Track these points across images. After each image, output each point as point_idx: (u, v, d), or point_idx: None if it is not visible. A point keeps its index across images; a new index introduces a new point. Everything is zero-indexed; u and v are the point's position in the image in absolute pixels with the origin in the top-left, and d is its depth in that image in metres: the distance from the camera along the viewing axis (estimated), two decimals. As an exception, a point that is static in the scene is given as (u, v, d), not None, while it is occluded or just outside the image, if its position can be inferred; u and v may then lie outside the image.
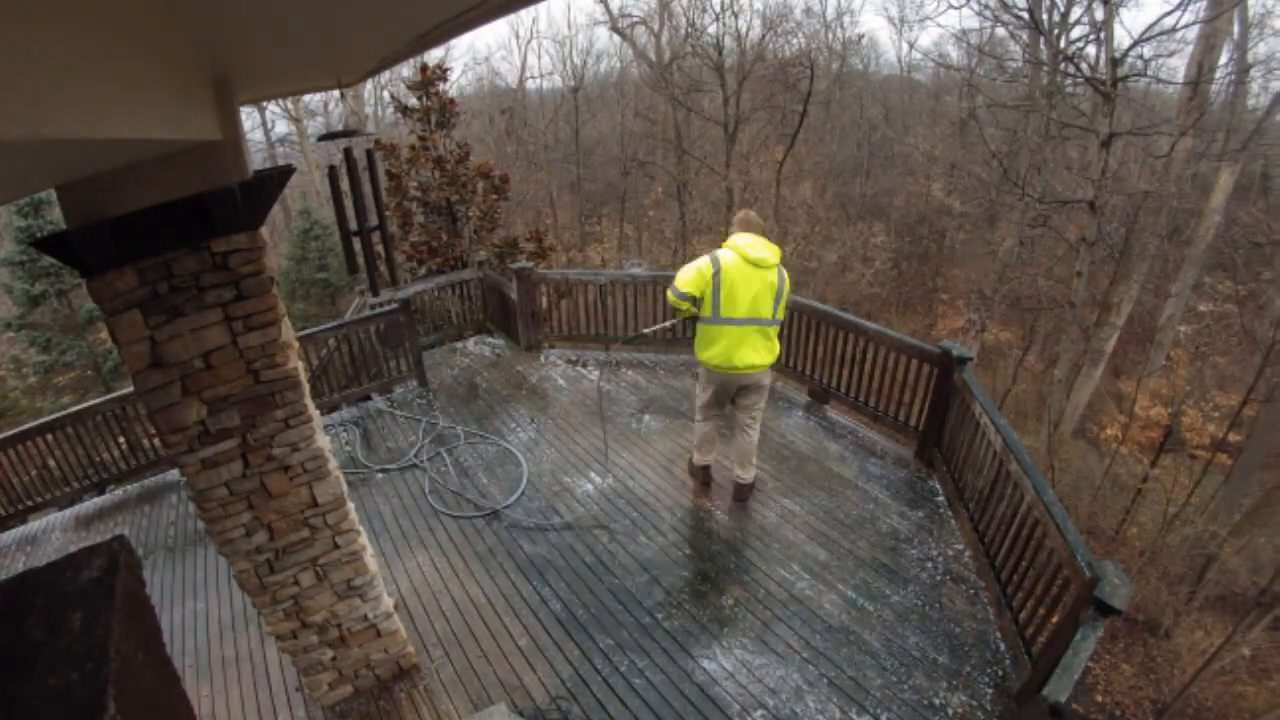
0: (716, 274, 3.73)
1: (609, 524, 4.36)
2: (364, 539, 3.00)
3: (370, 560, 3.04)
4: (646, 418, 5.57)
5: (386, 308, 6.18)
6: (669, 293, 3.90)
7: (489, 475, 5.03)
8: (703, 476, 4.56)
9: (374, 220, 2.97)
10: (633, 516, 4.40)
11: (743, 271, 3.72)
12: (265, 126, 26.06)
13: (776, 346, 3.98)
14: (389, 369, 6.37)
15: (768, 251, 3.75)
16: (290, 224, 21.98)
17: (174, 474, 5.63)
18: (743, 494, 4.38)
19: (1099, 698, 10.68)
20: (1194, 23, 11.46)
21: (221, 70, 1.91)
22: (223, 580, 4.30)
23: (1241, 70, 13.80)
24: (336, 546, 2.83)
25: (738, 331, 3.80)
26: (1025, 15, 14.23)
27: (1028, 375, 17.42)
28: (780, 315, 3.89)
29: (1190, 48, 12.79)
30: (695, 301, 3.88)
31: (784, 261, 3.94)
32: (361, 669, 3.24)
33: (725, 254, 3.77)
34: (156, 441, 5.65)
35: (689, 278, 3.79)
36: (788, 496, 4.47)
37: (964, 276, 22.12)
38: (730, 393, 4.10)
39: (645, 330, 5.46)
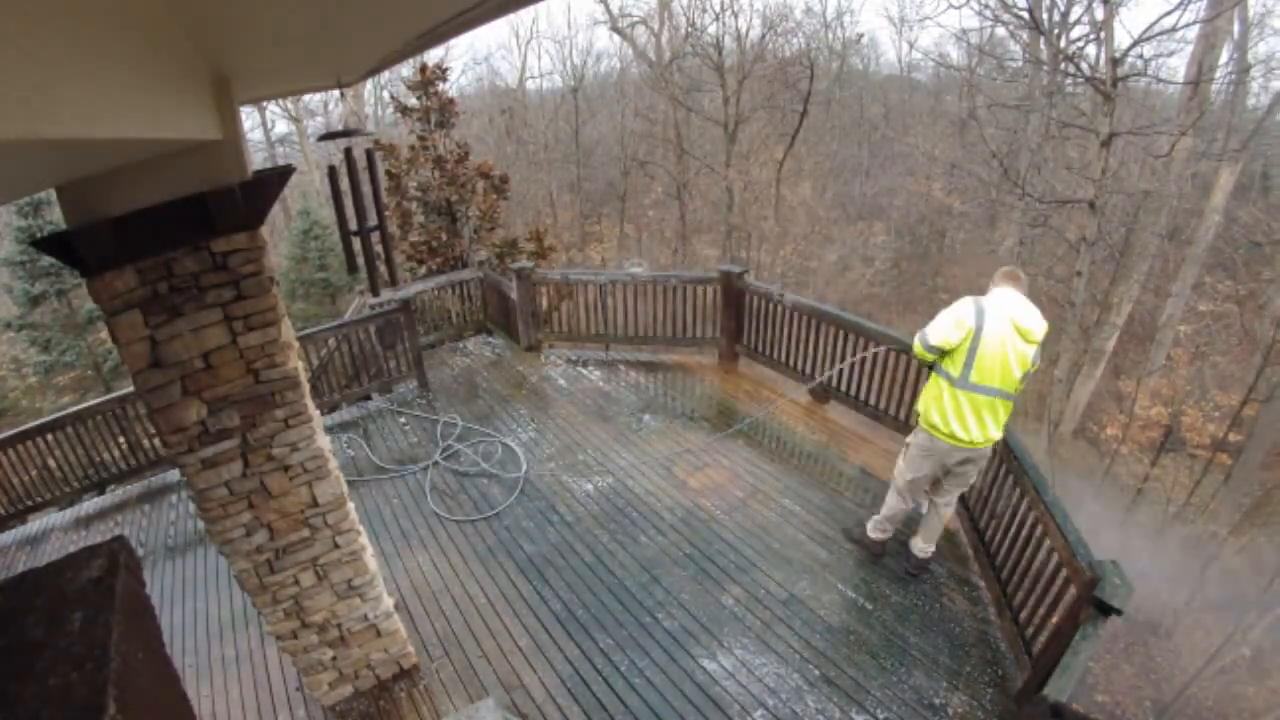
0: (981, 332, 3.16)
1: (608, 524, 4.36)
2: (364, 539, 3.00)
3: (370, 560, 3.04)
4: (646, 417, 5.57)
5: (386, 308, 6.18)
6: (916, 344, 3.43)
7: (489, 475, 5.03)
8: (880, 550, 3.94)
9: (374, 220, 2.97)
10: (633, 516, 4.40)
11: (1003, 325, 3.15)
12: (265, 126, 26.07)
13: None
14: (389, 369, 6.37)
15: (1035, 323, 3.15)
16: (290, 224, 21.98)
17: (174, 474, 5.63)
18: (920, 568, 3.82)
19: (1099, 697, 10.68)
20: (1194, 22, 11.46)
21: (221, 70, 1.91)
22: (223, 580, 4.30)
23: (1241, 70, 13.80)
24: (336, 546, 2.83)
25: (988, 404, 3.23)
26: (1025, 15, 14.21)
27: (1028, 375, 17.38)
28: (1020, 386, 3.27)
29: (1190, 47, 12.80)
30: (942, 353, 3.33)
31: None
32: (361, 669, 3.24)
33: (996, 296, 3.25)
34: (156, 441, 5.65)
35: (940, 337, 3.26)
36: (787, 496, 4.47)
37: (964, 276, 22.10)
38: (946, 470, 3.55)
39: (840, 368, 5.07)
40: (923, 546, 3.76)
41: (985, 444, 3.30)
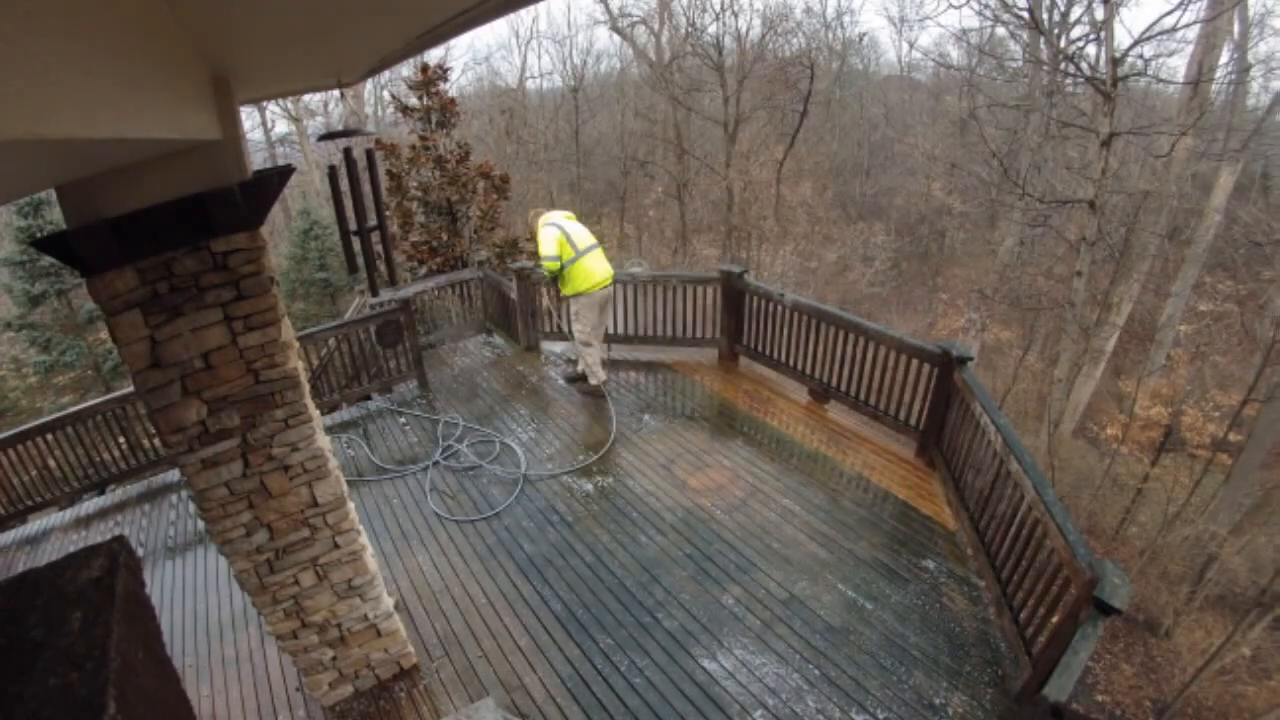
0: (565, 232, 5.44)
1: (608, 524, 4.36)
2: (364, 539, 3.00)
3: (370, 560, 3.04)
4: (646, 417, 5.57)
5: (386, 308, 6.18)
6: (547, 267, 5.44)
7: (489, 475, 5.03)
8: (603, 390, 5.84)
9: (374, 220, 2.97)
10: (633, 516, 4.40)
11: (572, 223, 5.58)
12: (265, 126, 26.06)
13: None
14: (389, 369, 6.37)
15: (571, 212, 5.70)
16: (290, 224, 21.97)
17: (174, 474, 5.63)
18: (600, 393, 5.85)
19: (1099, 697, 10.68)
20: (1194, 22, 11.45)
21: (221, 70, 1.91)
22: (223, 580, 4.30)
23: (1241, 70, 13.79)
24: (336, 546, 2.83)
25: (596, 255, 5.51)
26: (1025, 15, 14.20)
27: (1028, 375, 17.42)
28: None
29: (1190, 47, 12.81)
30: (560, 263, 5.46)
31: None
32: (361, 669, 3.24)
33: (556, 217, 5.57)
34: (156, 441, 5.65)
35: (552, 247, 5.40)
36: (788, 496, 4.47)
37: (964, 276, 22.11)
38: (602, 310, 5.71)
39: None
40: (602, 376, 5.84)
41: (609, 279, 5.55)
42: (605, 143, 25.94)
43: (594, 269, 5.45)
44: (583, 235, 5.48)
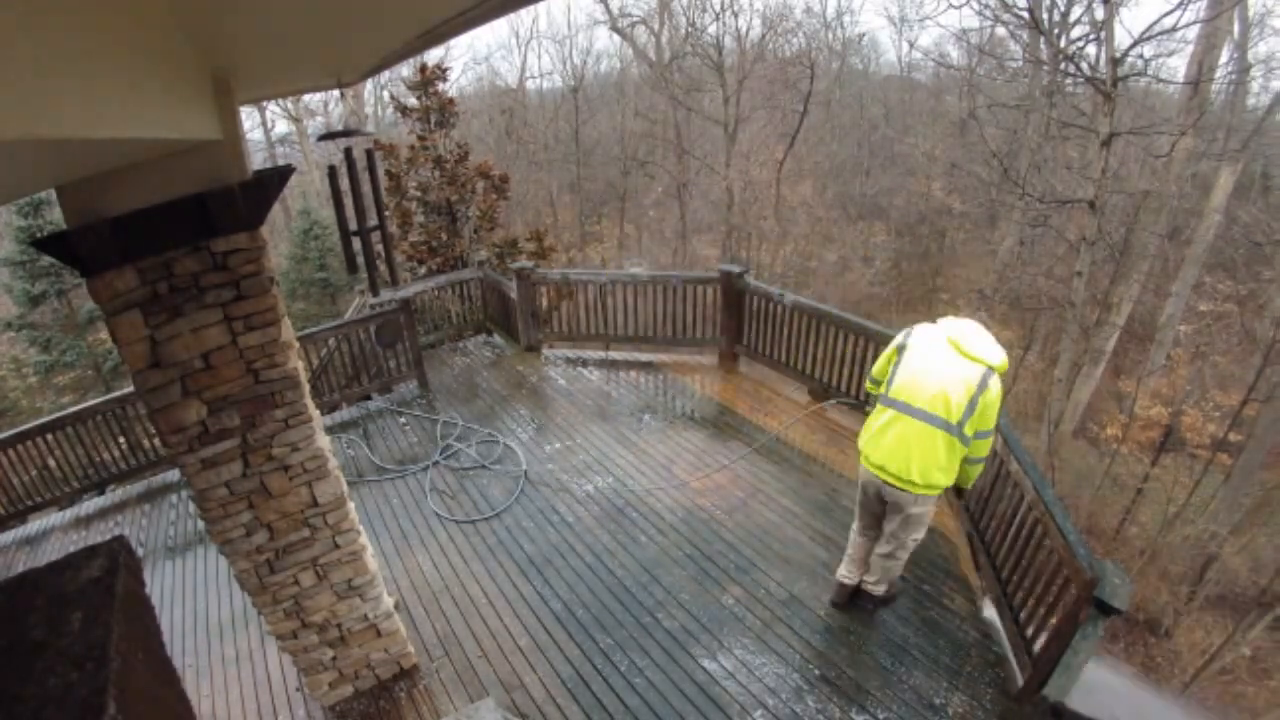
0: (903, 348, 2.93)
1: (608, 524, 4.36)
2: (364, 539, 3.00)
3: (370, 560, 3.04)
4: (646, 417, 5.57)
5: (386, 308, 6.17)
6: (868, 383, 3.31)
7: (489, 475, 5.03)
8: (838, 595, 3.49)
9: (374, 220, 2.98)
10: (633, 516, 4.40)
11: (936, 351, 2.79)
12: (265, 126, 26.05)
13: (945, 468, 2.83)
14: (389, 369, 6.37)
15: (981, 345, 2.79)
16: (290, 224, 21.97)
17: (174, 474, 5.63)
18: (857, 598, 3.50)
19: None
20: (1194, 22, 11.45)
21: (221, 70, 1.91)
22: (223, 580, 4.30)
23: (1241, 70, 13.80)
24: (336, 546, 2.83)
25: (906, 421, 2.82)
26: (1025, 15, 14.20)
27: (1028, 375, 17.42)
28: (968, 431, 2.77)
29: (1190, 47, 12.80)
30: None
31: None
32: (361, 669, 3.24)
33: (939, 326, 2.94)
34: (156, 441, 5.65)
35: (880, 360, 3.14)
36: (787, 496, 4.47)
37: (964, 276, 22.10)
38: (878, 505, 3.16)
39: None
40: (868, 580, 3.39)
41: (899, 479, 2.84)
42: (605, 143, 25.94)
43: (876, 433, 2.95)
44: (923, 373, 2.80)
